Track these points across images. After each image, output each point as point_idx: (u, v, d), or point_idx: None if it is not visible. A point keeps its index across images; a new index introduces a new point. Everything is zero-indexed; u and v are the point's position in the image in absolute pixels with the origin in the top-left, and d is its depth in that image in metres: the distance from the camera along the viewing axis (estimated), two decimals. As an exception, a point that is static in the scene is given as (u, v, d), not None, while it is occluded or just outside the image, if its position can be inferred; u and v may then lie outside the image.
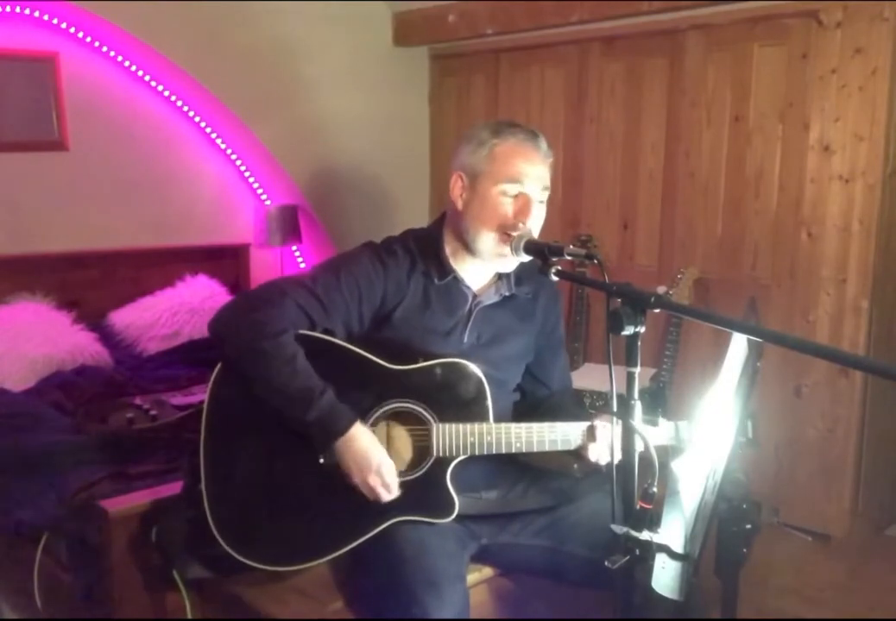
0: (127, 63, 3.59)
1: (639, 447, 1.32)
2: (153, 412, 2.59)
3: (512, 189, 1.70)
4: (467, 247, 1.76)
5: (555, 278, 1.56)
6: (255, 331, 1.62)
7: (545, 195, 1.74)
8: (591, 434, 1.70)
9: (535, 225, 1.72)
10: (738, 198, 3.34)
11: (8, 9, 3.24)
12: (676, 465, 1.29)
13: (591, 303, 3.71)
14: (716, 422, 1.30)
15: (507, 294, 1.82)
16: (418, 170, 4.48)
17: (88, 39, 3.47)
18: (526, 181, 1.70)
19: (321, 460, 1.66)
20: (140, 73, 3.63)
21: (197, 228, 3.89)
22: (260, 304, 1.66)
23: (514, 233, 1.67)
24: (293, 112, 3.96)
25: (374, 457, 1.63)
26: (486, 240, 1.72)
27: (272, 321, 1.63)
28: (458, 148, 1.78)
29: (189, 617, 1.91)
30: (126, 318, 3.51)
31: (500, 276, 1.83)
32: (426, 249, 1.79)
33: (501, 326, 1.82)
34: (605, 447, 1.68)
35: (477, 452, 1.68)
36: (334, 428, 1.61)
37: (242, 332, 1.64)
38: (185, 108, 3.78)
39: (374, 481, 1.63)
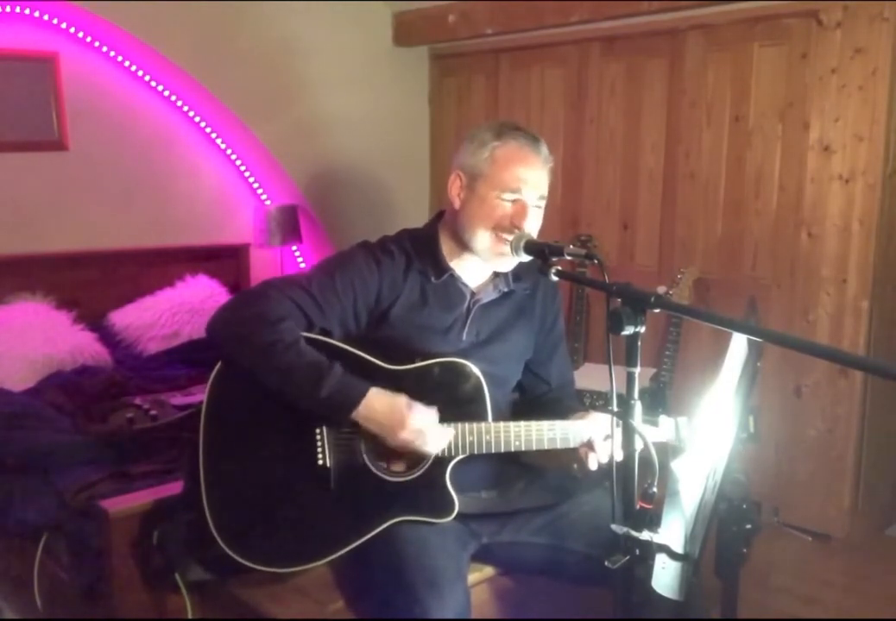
0: (127, 63, 3.59)
1: (639, 447, 1.32)
2: (153, 412, 2.59)
3: (509, 196, 1.71)
4: (465, 246, 1.77)
5: (555, 278, 1.56)
6: (253, 324, 1.62)
7: (542, 203, 1.75)
8: (589, 446, 1.70)
9: (531, 229, 1.72)
10: (738, 198, 3.34)
11: (8, 9, 3.24)
12: (676, 465, 1.29)
13: (591, 303, 3.71)
14: (716, 422, 1.30)
15: (505, 290, 1.82)
16: (418, 171, 4.48)
17: (88, 39, 3.47)
18: (524, 188, 1.71)
19: (320, 462, 1.67)
20: (140, 73, 3.63)
21: (197, 228, 3.89)
22: (256, 300, 1.67)
23: (510, 237, 1.68)
24: (293, 112, 3.96)
25: (400, 406, 1.61)
26: (482, 239, 1.73)
27: (269, 312, 1.63)
28: (459, 147, 1.79)
29: (190, 617, 1.91)
30: (126, 318, 3.51)
31: (497, 273, 1.83)
32: (422, 248, 1.79)
33: (500, 323, 1.83)
34: (603, 454, 1.68)
35: (476, 451, 1.68)
36: (351, 395, 1.60)
37: (242, 327, 1.63)
38: (185, 108, 3.78)
39: (413, 432, 1.61)
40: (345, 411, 1.61)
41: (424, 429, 1.62)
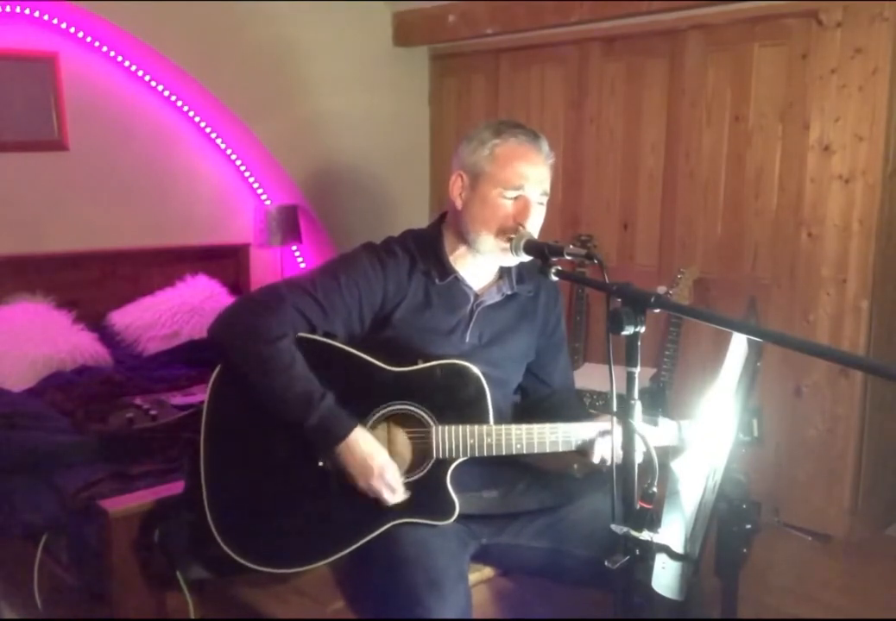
0: (127, 63, 3.59)
1: (640, 448, 1.32)
2: (153, 412, 2.59)
3: (512, 193, 1.70)
4: (469, 247, 1.76)
5: (555, 278, 1.56)
6: (253, 337, 1.62)
7: (544, 199, 1.74)
8: (590, 447, 1.69)
9: (534, 226, 1.72)
10: (738, 198, 3.34)
11: (8, 9, 3.24)
12: (676, 465, 1.29)
13: (591, 303, 3.71)
14: (716, 422, 1.30)
15: (508, 293, 1.82)
16: (418, 171, 4.48)
17: (88, 39, 3.47)
18: (526, 185, 1.70)
19: (321, 463, 1.66)
20: (140, 73, 3.63)
21: (197, 228, 3.89)
22: (259, 309, 1.66)
23: (513, 235, 1.67)
24: (293, 112, 3.96)
25: (376, 460, 1.63)
26: (486, 240, 1.72)
27: (271, 326, 1.63)
28: (458, 147, 1.78)
29: (191, 617, 1.91)
30: (126, 318, 3.51)
31: (501, 275, 1.83)
32: (426, 249, 1.79)
33: (503, 326, 1.82)
34: (606, 457, 1.68)
35: (477, 454, 1.67)
36: (334, 433, 1.61)
37: (241, 338, 1.64)
38: (185, 108, 3.78)
39: (377, 484, 1.63)
40: (325, 447, 1.63)
41: (386, 489, 1.63)
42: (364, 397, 1.68)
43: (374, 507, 1.67)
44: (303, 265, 4.22)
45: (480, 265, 1.79)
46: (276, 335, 1.63)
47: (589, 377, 3.33)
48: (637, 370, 1.29)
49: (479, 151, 1.72)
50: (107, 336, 3.42)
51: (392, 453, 1.69)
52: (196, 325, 3.48)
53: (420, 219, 1.96)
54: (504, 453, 1.68)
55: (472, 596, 1.64)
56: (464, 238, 1.76)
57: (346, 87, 4.08)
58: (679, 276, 3.28)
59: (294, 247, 4.15)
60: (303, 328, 1.67)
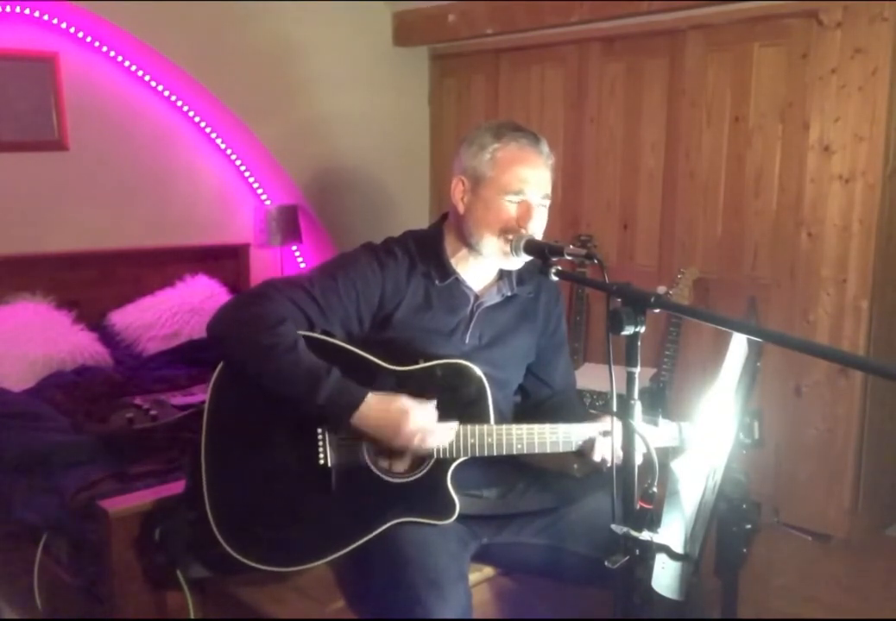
0: (127, 63, 3.59)
1: (640, 448, 1.32)
2: (153, 412, 2.59)
3: (514, 197, 1.71)
4: (471, 249, 1.77)
5: (555, 278, 1.56)
6: (253, 325, 1.62)
7: (546, 202, 1.75)
8: (591, 446, 1.70)
9: (537, 229, 1.72)
10: (738, 198, 3.34)
11: (8, 9, 3.24)
12: (676, 465, 1.29)
13: (591, 303, 3.71)
14: (716, 422, 1.31)
15: (508, 294, 1.82)
16: (418, 171, 4.48)
17: (88, 39, 3.47)
18: (527, 188, 1.70)
19: (321, 462, 1.67)
20: (140, 73, 3.63)
21: (197, 228, 3.89)
22: (256, 301, 1.66)
23: (514, 237, 1.68)
24: (293, 112, 3.96)
25: (397, 408, 1.60)
26: (490, 244, 1.72)
27: (269, 313, 1.63)
28: (459, 150, 1.78)
29: (191, 616, 1.91)
30: (126, 318, 3.51)
31: (501, 276, 1.83)
32: (426, 250, 1.79)
33: (503, 326, 1.82)
34: (607, 456, 1.68)
35: (477, 454, 1.67)
36: (348, 401, 1.59)
37: (241, 328, 1.63)
38: (185, 108, 3.78)
39: (412, 432, 1.60)
40: (342, 417, 1.61)
41: (424, 429, 1.61)
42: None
43: (375, 506, 1.67)
44: (303, 265, 4.22)
45: (481, 266, 1.80)
46: (274, 321, 1.62)
47: (589, 377, 3.33)
48: (637, 370, 1.30)
49: (480, 156, 1.72)
50: (107, 336, 3.42)
51: (393, 452, 1.69)
52: (196, 325, 3.48)
53: (420, 219, 1.96)
54: (505, 453, 1.68)
55: (472, 595, 1.64)
56: (466, 241, 1.76)
57: (346, 87, 4.08)
58: (679, 276, 3.28)
59: (294, 247, 4.15)
60: (301, 322, 1.67)
